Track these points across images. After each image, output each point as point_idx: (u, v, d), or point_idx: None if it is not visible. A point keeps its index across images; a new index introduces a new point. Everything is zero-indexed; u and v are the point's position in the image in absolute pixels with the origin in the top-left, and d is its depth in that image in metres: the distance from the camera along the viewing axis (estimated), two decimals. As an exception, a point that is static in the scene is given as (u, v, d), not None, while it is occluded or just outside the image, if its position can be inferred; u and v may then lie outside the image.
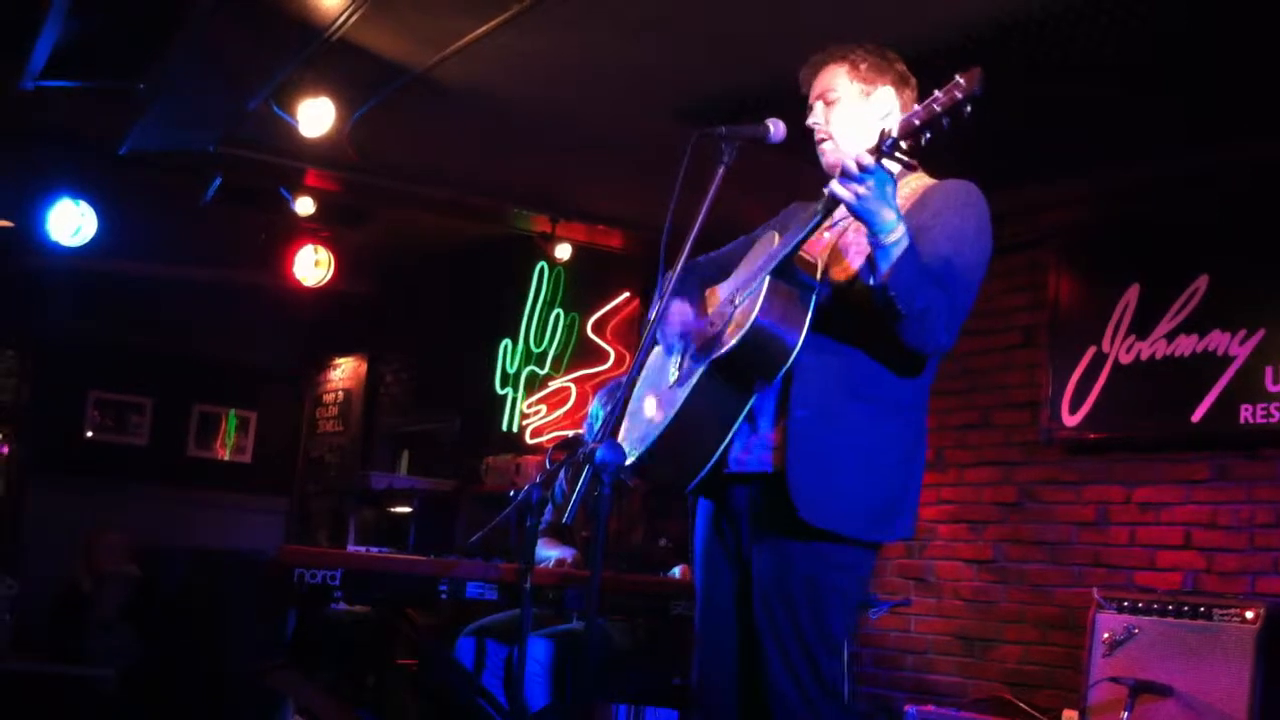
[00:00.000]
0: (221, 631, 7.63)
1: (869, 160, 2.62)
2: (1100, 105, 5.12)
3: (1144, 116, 5.17)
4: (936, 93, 2.57)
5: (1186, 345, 5.31)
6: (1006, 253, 5.96)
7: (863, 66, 3.12)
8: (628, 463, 3.13)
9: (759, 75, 5.04)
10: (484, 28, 5.00)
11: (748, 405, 2.95)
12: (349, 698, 5.93)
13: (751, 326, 2.82)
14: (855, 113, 3.10)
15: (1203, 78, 4.79)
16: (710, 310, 3.17)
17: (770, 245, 3.02)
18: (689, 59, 5.14)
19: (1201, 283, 5.31)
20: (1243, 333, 5.12)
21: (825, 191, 2.76)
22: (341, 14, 4.97)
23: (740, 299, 2.98)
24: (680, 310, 3.16)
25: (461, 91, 5.69)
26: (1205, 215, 5.37)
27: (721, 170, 3.00)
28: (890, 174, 2.69)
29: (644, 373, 3.34)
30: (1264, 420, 4.99)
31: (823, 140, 3.12)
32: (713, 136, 3.03)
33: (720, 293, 3.20)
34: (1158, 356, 5.41)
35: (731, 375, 2.92)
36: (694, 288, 3.29)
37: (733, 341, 2.85)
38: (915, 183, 3.12)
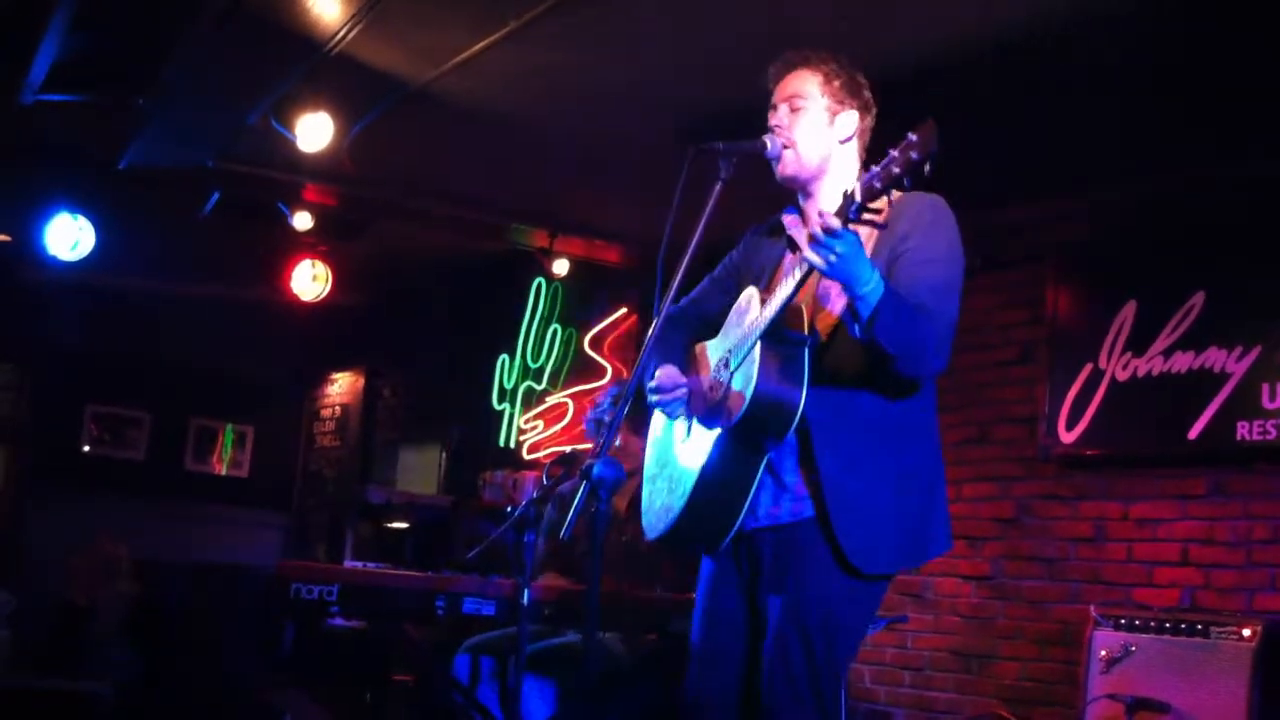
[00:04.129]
0: (219, 646, 7.62)
1: (837, 224, 2.59)
2: (1098, 123, 5.13)
3: (1141, 134, 5.18)
4: (892, 152, 2.53)
5: (1183, 362, 5.32)
6: (1005, 269, 5.99)
7: (836, 83, 3.10)
8: (652, 537, 3.18)
9: (758, 91, 5.05)
10: (482, 43, 5.01)
11: (763, 464, 2.96)
12: (346, 713, 5.93)
13: (753, 397, 2.82)
14: (818, 128, 3.08)
15: (1200, 95, 4.80)
16: (705, 373, 3.17)
17: (752, 302, 3.03)
18: (688, 74, 5.15)
19: (1198, 299, 5.31)
20: (1239, 349, 5.13)
21: (800, 257, 2.73)
22: (340, 29, 4.98)
23: (734, 363, 2.98)
24: (674, 375, 3.16)
25: (460, 106, 5.70)
26: (1202, 232, 5.38)
27: (719, 185, 3.00)
28: (855, 231, 2.65)
29: (651, 437, 3.36)
30: (1261, 437, 5.00)
31: (784, 147, 3.09)
32: (710, 152, 3.03)
33: (710, 353, 3.20)
34: (1154, 373, 5.42)
35: (742, 442, 2.93)
36: (680, 345, 3.30)
37: (739, 414, 2.85)
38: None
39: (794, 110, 3.09)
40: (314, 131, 5.78)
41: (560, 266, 7.99)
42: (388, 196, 7.31)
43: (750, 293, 3.07)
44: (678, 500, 3.06)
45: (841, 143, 3.10)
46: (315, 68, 5.39)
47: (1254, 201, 5.20)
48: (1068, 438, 5.68)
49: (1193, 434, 5.22)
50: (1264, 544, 5.01)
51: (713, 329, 3.26)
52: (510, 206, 7.47)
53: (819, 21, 4.47)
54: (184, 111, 6.03)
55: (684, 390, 3.15)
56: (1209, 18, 4.26)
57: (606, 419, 5.36)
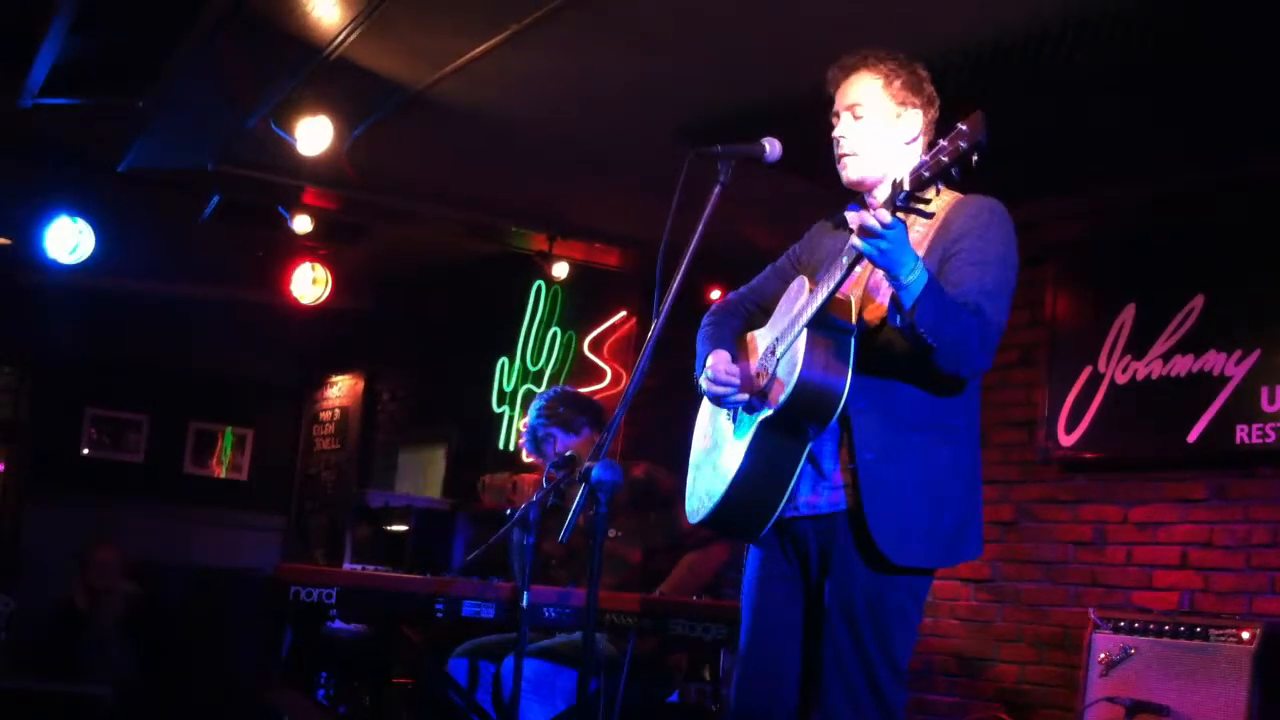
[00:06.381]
0: (218, 649, 7.62)
1: (889, 218, 2.61)
2: (1099, 124, 5.13)
3: (1142, 136, 5.19)
4: (941, 141, 2.55)
5: (1183, 365, 5.31)
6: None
7: (896, 83, 3.09)
8: (695, 522, 3.19)
9: (759, 94, 5.05)
10: (482, 47, 5.01)
11: (805, 452, 2.97)
12: (345, 716, 5.92)
13: (798, 382, 2.83)
14: (882, 133, 3.08)
15: (1201, 97, 4.80)
16: (753, 360, 3.17)
17: (803, 290, 3.02)
18: (688, 78, 5.15)
19: (1198, 303, 5.31)
20: (1239, 353, 5.12)
21: (849, 245, 2.74)
22: (340, 33, 4.99)
23: (781, 350, 2.99)
24: (724, 361, 3.14)
25: (460, 110, 5.70)
26: (1202, 235, 5.38)
27: (718, 189, 3.01)
28: (904, 220, 2.67)
29: (699, 422, 3.36)
30: (1260, 440, 4.99)
31: (845, 155, 3.10)
32: (709, 155, 3.04)
33: (759, 340, 3.20)
34: (1154, 376, 5.41)
35: (785, 428, 2.94)
36: (731, 332, 3.30)
37: (782, 398, 2.87)
38: (935, 202, 3.10)
39: (856, 119, 3.09)
40: (314, 135, 5.78)
41: (560, 269, 7.99)
42: (387, 200, 7.31)
43: (801, 281, 3.07)
44: (719, 486, 3.06)
45: (907, 144, 3.09)
46: (315, 71, 5.39)
47: (1254, 203, 5.20)
48: (1067, 441, 5.68)
49: (1192, 437, 5.22)
50: (1263, 548, 5.01)
51: (770, 316, 3.26)
52: (510, 210, 7.47)
53: (818, 24, 4.47)
54: (184, 115, 6.03)
55: (735, 385, 3.09)
56: (1209, 18, 4.26)
57: (540, 433, 5.30)
